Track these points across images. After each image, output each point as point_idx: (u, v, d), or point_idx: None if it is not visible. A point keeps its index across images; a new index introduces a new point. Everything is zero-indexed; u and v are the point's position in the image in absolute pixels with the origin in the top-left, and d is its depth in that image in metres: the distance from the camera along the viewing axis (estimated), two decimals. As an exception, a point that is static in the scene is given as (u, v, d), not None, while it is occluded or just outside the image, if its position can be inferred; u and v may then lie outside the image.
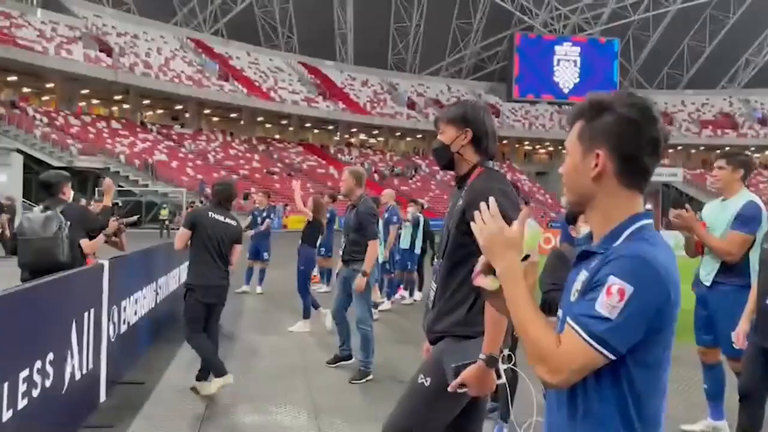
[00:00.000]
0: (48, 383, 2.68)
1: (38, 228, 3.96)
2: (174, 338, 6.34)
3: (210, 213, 4.54)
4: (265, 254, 9.85)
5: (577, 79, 65.27)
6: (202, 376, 4.51)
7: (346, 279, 5.34)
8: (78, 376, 3.15)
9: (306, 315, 7.12)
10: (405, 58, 63.58)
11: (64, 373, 2.92)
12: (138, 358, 5.17)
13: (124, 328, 4.44)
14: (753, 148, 61.76)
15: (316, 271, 11.53)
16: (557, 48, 65.37)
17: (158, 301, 6.10)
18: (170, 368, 5.28)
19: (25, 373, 2.43)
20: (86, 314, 3.39)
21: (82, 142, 35.44)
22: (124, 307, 4.47)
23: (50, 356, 2.70)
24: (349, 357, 5.50)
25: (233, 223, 4.62)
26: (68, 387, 2.95)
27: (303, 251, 7.35)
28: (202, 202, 19.47)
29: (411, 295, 9.47)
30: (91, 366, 3.46)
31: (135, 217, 4.87)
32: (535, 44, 64.71)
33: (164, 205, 26.56)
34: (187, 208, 23.33)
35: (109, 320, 3.91)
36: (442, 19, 61.31)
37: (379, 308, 7.97)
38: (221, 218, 4.54)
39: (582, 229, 3.19)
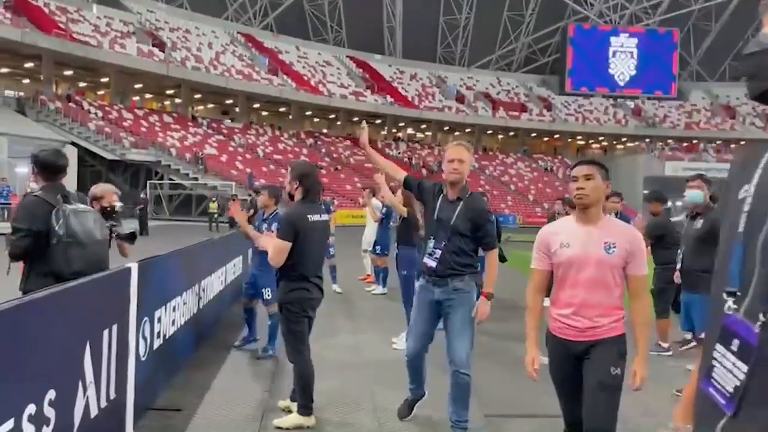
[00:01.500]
0: (48, 430, 2.10)
1: (93, 229, 3.29)
2: (218, 345, 5.88)
3: (309, 215, 3.82)
4: (331, 249, 9.40)
5: (634, 71, 62.96)
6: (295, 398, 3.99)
7: (438, 303, 3.77)
8: (95, 410, 2.59)
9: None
10: (454, 51, 62.50)
11: (72, 411, 2.34)
12: (176, 376, 4.61)
13: (158, 342, 3.91)
14: (823, 143, 58.49)
15: (370, 270, 10.99)
16: (613, 39, 63.15)
17: (201, 306, 5.64)
18: (213, 389, 4.61)
19: (8, 426, 1.83)
20: (106, 332, 2.84)
21: (134, 136, 35.90)
22: (159, 318, 3.93)
23: (51, 395, 2.12)
24: (423, 395, 4.14)
25: (327, 218, 4.02)
26: (80, 427, 2.41)
27: (403, 253, 6.46)
28: (251, 195, 19.11)
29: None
30: (113, 395, 2.91)
31: (131, 231, 4.04)
32: (589, 35, 62.68)
33: (213, 199, 26.50)
34: (231, 200, 23.16)
35: (138, 336, 3.40)
36: (492, 11, 59.97)
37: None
38: (318, 217, 3.88)
39: None
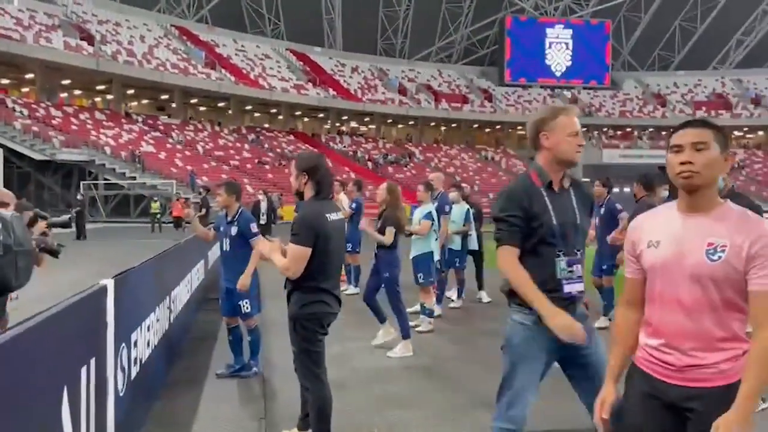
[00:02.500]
0: None
1: (22, 235, 2.85)
2: (193, 364, 5.26)
3: (327, 214, 3.25)
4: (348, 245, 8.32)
5: (570, 62, 64.35)
6: (304, 426, 3.49)
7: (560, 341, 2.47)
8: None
9: (405, 334, 5.75)
10: (395, 44, 62.26)
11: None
12: (154, 407, 4.00)
13: (135, 370, 3.32)
14: (746, 128, 61.43)
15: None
16: (549, 31, 64.37)
17: (172, 319, 5.03)
18: (199, 420, 3.97)
19: None
20: (84, 371, 2.26)
21: (64, 134, 34.00)
22: (135, 342, 3.34)
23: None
24: None
25: (342, 216, 3.48)
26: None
27: (383, 254, 5.89)
28: (200, 194, 18.20)
29: (460, 296, 8.21)
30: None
31: (56, 245, 3.51)
32: (526, 27, 63.64)
33: (155, 198, 25.28)
34: (176, 200, 22.11)
35: (117, 367, 2.82)
36: (431, 2, 60.04)
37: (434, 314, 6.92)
38: (336, 216, 3.33)
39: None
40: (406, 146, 54.59)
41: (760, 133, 62.24)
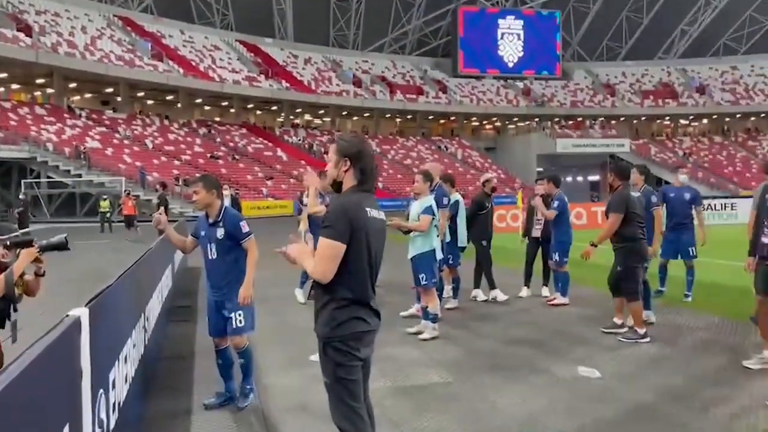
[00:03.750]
0: None
1: None
2: (172, 392, 4.49)
3: (368, 208, 2.67)
4: None
5: (521, 53, 64.77)
6: None
7: None
8: None
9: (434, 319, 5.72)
10: (347, 35, 61.35)
11: None
12: None
13: (114, 418, 2.61)
14: (692, 117, 63.14)
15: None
16: (501, 21, 64.62)
17: (147, 340, 4.32)
18: None
19: None
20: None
21: (2, 131, 32.07)
22: (114, 381, 2.69)
23: None
24: None
25: (384, 217, 2.85)
26: None
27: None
28: (157, 190, 17.13)
29: (455, 295, 7.56)
30: None
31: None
32: (478, 18, 63.72)
33: (104, 197, 23.93)
34: (126, 194, 20.88)
35: (94, 425, 2.15)
36: (383, -7, 59.36)
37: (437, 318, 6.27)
38: (378, 214, 2.74)
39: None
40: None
41: (705, 121, 64.09)
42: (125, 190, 22.96)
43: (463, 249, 7.62)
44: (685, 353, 5.38)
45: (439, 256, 6.13)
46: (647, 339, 5.81)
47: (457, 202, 7.27)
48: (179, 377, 4.87)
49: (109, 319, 2.64)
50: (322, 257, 2.58)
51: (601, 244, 6.07)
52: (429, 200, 6.00)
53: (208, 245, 4.18)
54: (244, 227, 4.18)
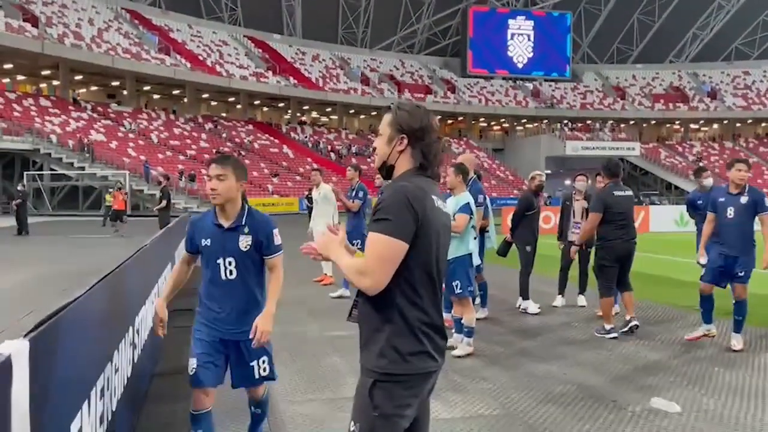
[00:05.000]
0: None
1: None
2: (170, 425, 3.93)
3: (433, 196, 2.02)
4: (356, 242, 7.35)
5: (531, 54, 64.08)
6: None
7: None
8: None
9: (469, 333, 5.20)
10: (356, 33, 60.77)
11: None
12: None
13: None
14: (702, 121, 62.38)
15: (328, 269, 9.26)
16: (511, 22, 63.93)
17: (137, 357, 3.71)
18: None
19: None
20: None
21: (6, 121, 31.58)
22: None
23: None
24: None
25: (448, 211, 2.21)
26: None
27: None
28: (159, 183, 16.51)
29: (484, 304, 6.89)
30: None
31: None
32: (488, 18, 63.06)
33: (110, 190, 23.36)
34: (118, 189, 20.29)
35: None
36: (392, -9, 58.80)
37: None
38: (443, 206, 2.09)
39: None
40: (369, 137, 53.33)
41: (716, 126, 63.32)
42: (117, 184, 22.28)
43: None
44: None
45: (476, 261, 5.50)
46: (615, 335, 5.98)
47: (488, 201, 6.68)
48: (176, 402, 4.03)
49: (70, 350, 1.98)
50: (376, 258, 1.89)
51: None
52: (466, 197, 5.35)
53: (222, 260, 2.98)
54: (277, 238, 3.08)
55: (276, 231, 3.09)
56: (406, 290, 1.95)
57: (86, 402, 2.20)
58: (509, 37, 63.68)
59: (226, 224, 2.99)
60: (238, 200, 3.01)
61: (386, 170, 2.10)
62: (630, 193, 6.28)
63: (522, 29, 64.08)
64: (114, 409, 2.75)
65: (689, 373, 4.89)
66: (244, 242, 2.99)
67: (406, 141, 2.06)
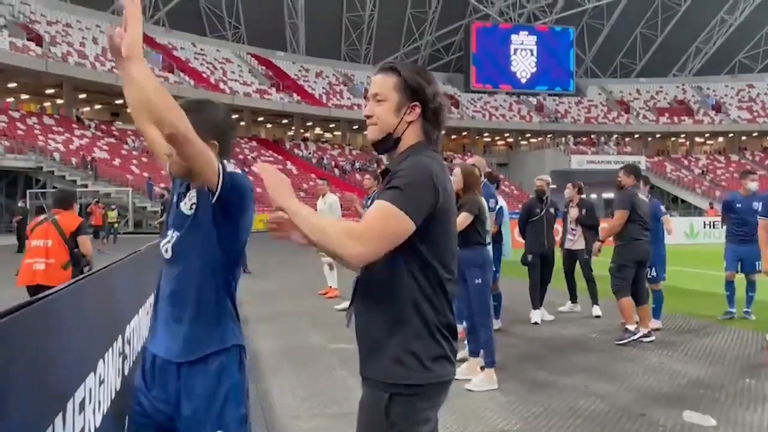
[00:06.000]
0: None
1: None
2: None
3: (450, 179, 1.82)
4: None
5: (534, 69, 64.12)
6: None
7: None
8: None
9: (489, 360, 4.46)
10: (359, 49, 61.01)
11: None
12: None
13: None
14: (708, 134, 62.12)
15: (332, 281, 8.97)
16: (513, 37, 64.07)
17: (127, 369, 3.41)
18: None
19: None
20: None
21: (9, 140, 31.54)
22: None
23: None
24: None
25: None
26: None
27: (469, 255, 4.54)
28: (162, 197, 16.29)
29: (497, 316, 6.59)
30: None
31: None
32: (491, 33, 63.22)
33: (112, 206, 23.22)
34: (95, 203, 19.93)
35: None
36: (395, 8, 59.09)
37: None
38: (452, 190, 1.80)
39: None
40: (372, 153, 53.28)
41: (721, 139, 63.06)
42: (94, 200, 21.95)
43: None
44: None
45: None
46: (640, 334, 5.81)
47: (501, 208, 6.41)
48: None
49: (32, 354, 1.68)
50: (378, 228, 1.58)
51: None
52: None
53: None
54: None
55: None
56: (423, 284, 1.66)
57: (60, 415, 1.93)
58: (512, 52, 63.79)
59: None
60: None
61: (391, 144, 1.76)
62: (648, 200, 6.27)
63: (525, 44, 64.19)
64: (98, 425, 2.46)
65: (718, 384, 4.58)
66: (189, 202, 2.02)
67: (419, 110, 1.73)
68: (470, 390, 4.30)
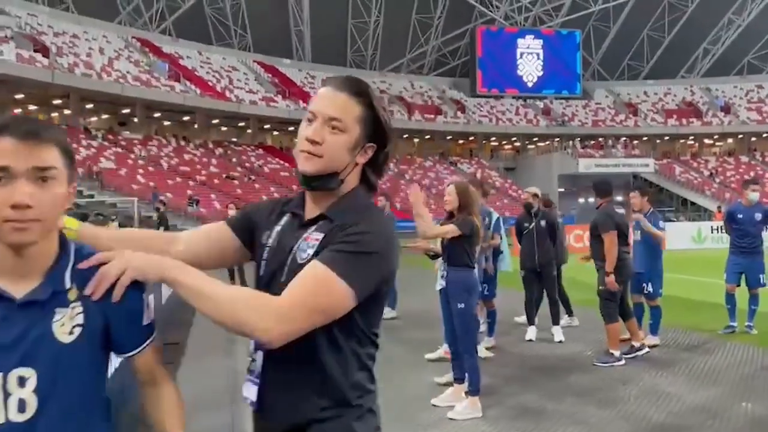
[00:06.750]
0: None
1: None
2: None
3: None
4: None
5: (541, 72, 63.87)
6: None
7: None
8: None
9: (473, 388, 4.27)
10: (365, 55, 61.06)
11: None
12: None
13: None
14: (717, 136, 61.59)
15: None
16: (519, 41, 63.88)
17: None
18: None
19: None
20: None
21: (16, 151, 31.72)
22: None
23: None
24: None
25: None
26: None
27: (456, 277, 4.39)
28: (158, 210, 16.14)
29: (491, 333, 6.47)
30: None
31: None
32: (497, 38, 63.06)
33: (113, 218, 23.27)
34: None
35: None
36: (401, 14, 59.09)
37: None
38: None
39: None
40: (379, 159, 53.24)
41: (730, 140, 62.50)
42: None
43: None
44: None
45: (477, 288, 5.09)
46: (622, 362, 5.65)
47: (498, 219, 6.28)
48: None
49: None
50: (306, 304, 1.25)
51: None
52: None
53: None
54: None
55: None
56: (363, 354, 1.42)
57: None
58: (518, 56, 63.59)
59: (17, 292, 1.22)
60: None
61: (331, 185, 1.42)
62: (623, 211, 6.13)
63: (531, 48, 63.98)
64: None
65: (714, 410, 4.42)
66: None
67: (371, 153, 1.47)
68: (452, 419, 4.17)
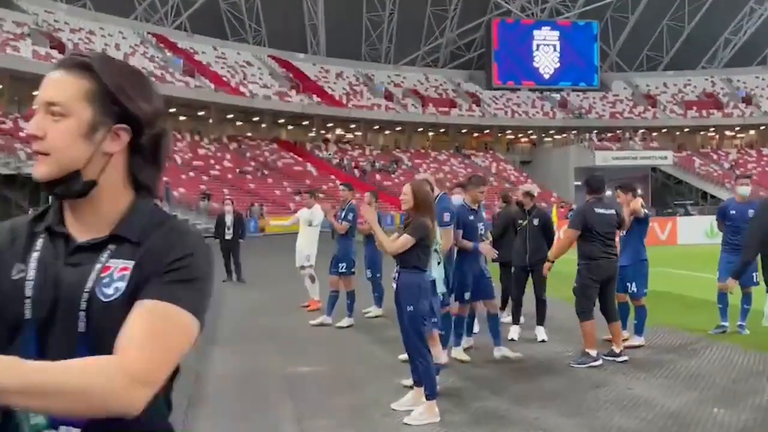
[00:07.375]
0: None
1: None
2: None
3: None
4: (342, 265, 7.67)
5: (558, 64, 63.18)
6: None
7: None
8: None
9: (430, 393, 4.19)
10: (379, 49, 60.85)
11: None
12: None
13: None
14: (738, 128, 60.46)
15: (314, 293, 8.87)
16: (536, 33, 63.21)
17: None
18: None
19: None
20: None
21: (31, 147, 32.19)
22: None
23: None
24: None
25: None
26: None
27: (408, 280, 4.29)
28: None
29: (469, 333, 6.31)
30: None
31: None
32: (513, 29, 62.46)
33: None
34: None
35: None
36: (415, 7, 58.76)
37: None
38: None
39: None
40: (393, 153, 53.09)
41: (752, 132, 61.33)
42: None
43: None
44: None
45: (441, 289, 4.96)
46: (599, 362, 5.56)
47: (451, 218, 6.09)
48: None
49: None
50: (159, 358, 1.02)
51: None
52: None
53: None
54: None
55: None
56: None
57: None
58: (535, 47, 62.93)
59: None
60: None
61: (77, 188, 1.10)
62: (613, 211, 5.91)
63: (547, 40, 63.29)
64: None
65: (688, 418, 4.32)
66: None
67: (127, 136, 1.12)
68: (408, 424, 4.11)
